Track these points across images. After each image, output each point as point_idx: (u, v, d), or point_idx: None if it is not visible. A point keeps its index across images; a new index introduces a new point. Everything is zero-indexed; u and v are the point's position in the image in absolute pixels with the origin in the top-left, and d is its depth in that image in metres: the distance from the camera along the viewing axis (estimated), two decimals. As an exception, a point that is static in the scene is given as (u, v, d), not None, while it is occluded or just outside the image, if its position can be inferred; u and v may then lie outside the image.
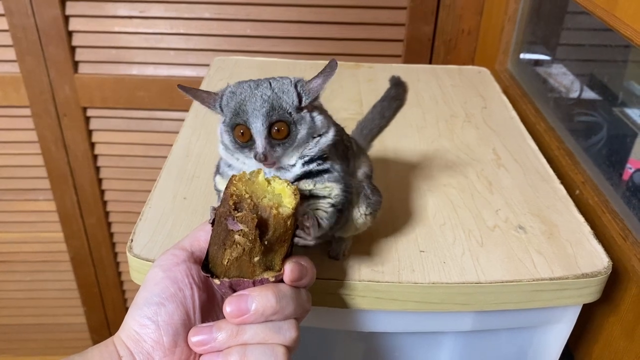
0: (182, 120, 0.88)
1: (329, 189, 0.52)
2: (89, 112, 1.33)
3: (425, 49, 1.25)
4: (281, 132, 0.48)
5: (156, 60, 1.27)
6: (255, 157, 0.48)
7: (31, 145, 1.37)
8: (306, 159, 0.51)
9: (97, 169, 1.41)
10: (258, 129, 0.48)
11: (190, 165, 0.76)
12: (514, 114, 0.92)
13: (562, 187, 0.73)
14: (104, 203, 1.46)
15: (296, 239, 0.48)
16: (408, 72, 1.04)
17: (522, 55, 1.13)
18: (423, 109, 0.92)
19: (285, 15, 1.22)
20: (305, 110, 0.50)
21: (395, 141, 0.82)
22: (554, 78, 1.08)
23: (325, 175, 0.52)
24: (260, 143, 0.48)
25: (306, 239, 0.49)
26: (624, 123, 0.89)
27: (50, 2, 1.19)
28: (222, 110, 0.50)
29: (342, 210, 0.53)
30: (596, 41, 0.99)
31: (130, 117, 1.34)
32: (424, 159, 0.79)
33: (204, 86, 0.98)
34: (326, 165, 0.52)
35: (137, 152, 1.38)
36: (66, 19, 1.22)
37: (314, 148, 0.51)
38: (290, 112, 0.49)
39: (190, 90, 0.51)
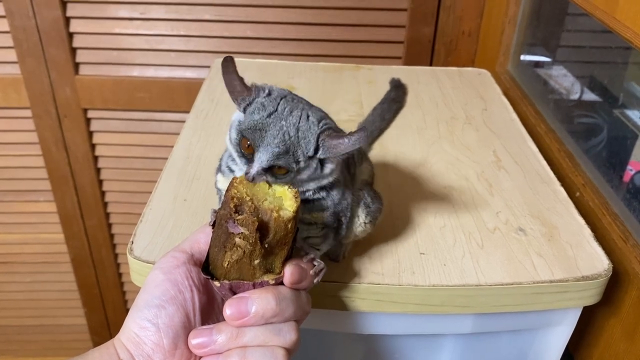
0: (183, 121, 0.88)
1: (316, 217, 0.51)
2: (90, 114, 1.33)
3: (426, 50, 1.25)
4: (281, 170, 0.47)
5: (157, 62, 1.27)
6: (245, 173, 0.46)
7: (32, 146, 1.37)
8: (302, 189, 0.50)
9: (98, 170, 1.41)
10: (261, 159, 0.46)
11: (191, 167, 0.76)
12: (514, 115, 0.92)
13: (562, 189, 0.73)
14: (105, 204, 1.46)
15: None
16: (408, 73, 1.04)
17: (522, 57, 1.13)
18: (423, 111, 0.92)
19: (286, 17, 1.22)
20: (316, 159, 0.48)
21: (395, 143, 0.82)
22: (555, 80, 1.08)
23: (316, 204, 0.51)
24: (255, 168, 0.46)
25: (317, 268, 0.49)
26: (625, 125, 0.89)
27: (51, 3, 1.19)
28: (244, 112, 0.48)
29: (339, 225, 0.53)
30: (596, 43, 0.99)
31: (131, 118, 1.34)
32: (424, 161, 0.79)
33: (204, 88, 0.98)
34: (322, 194, 0.51)
35: (137, 153, 1.38)
36: (67, 20, 1.22)
37: (310, 190, 0.50)
38: (298, 161, 0.47)
39: (229, 72, 0.48)
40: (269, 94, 0.49)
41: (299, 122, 0.47)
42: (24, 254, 1.55)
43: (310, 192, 0.50)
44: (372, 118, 0.73)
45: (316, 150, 0.47)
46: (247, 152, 0.48)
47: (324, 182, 0.50)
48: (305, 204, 0.50)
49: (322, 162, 0.48)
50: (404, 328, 0.63)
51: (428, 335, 0.66)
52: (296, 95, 0.50)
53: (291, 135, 0.46)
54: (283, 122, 0.46)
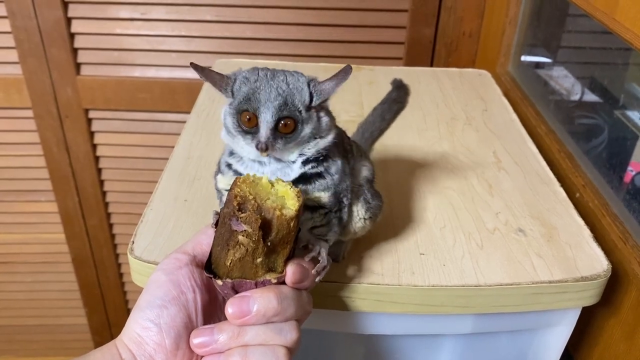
0: (184, 122, 0.88)
1: (318, 198, 0.52)
2: (91, 114, 1.34)
3: (426, 51, 1.25)
4: (288, 127, 0.49)
5: (158, 62, 1.28)
6: (256, 145, 0.48)
7: (33, 146, 1.38)
8: (304, 158, 0.51)
9: (99, 170, 1.41)
10: (267, 119, 0.48)
11: (192, 167, 0.76)
12: (514, 116, 0.92)
13: (562, 190, 0.73)
14: (106, 204, 1.47)
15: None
16: (409, 74, 1.04)
17: (523, 58, 1.13)
18: (424, 112, 0.93)
19: (287, 18, 1.22)
20: (313, 110, 0.50)
21: (395, 144, 0.82)
22: (555, 81, 1.08)
23: (317, 183, 0.52)
24: (264, 133, 0.48)
25: (320, 267, 0.50)
26: (625, 126, 0.89)
27: (52, 4, 1.19)
28: (232, 94, 0.50)
29: (340, 209, 0.54)
30: (597, 44, 0.99)
31: (132, 118, 1.34)
32: (425, 161, 0.79)
33: (205, 88, 0.98)
34: (320, 169, 0.52)
35: (138, 153, 1.38)
36: (68, 21, 1.22)
37: (312, 148, 0.51)
38: (300, 110, 0.49)
39: (203, 71, 0.50)
40: (247, 71, 0.51)
41: (286, 79, 0.50)
42: (25, 254, 1.55)
43: (310, 166, 0.52)
44: (373, 118, 0.73)
45: (311, 97, 0.50)
46: (249, 126, 0.49)
47: (324, 142, 0.52)
48: (306, 184, 0.52)
49: (318, 117, 0.51)
50: (404, 328, 0.63)
51: (428, 335, 0.66)
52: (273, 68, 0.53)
53: (284, 89, 0.49)
54: (272, 82, 0.49)
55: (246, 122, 0.49)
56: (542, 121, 0.94)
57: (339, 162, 0.54)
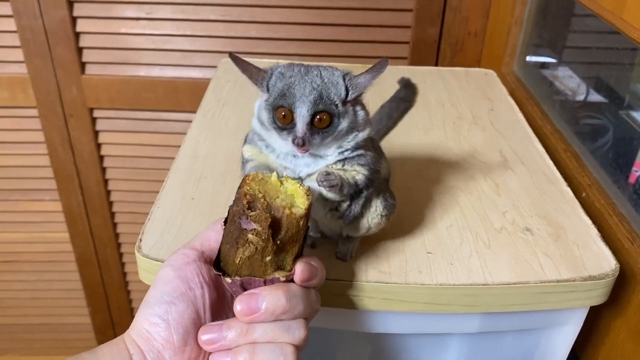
0: (189, 121, 0.88)
1: (355, 172, 0.52)
2: (96, 113, 1.34)
3: (432, 51, 1.25)
4: (323, 121, 0.49)
5: (163, 62, 1.28)
6: (293, 141, 0.49)
7: (38, 145, 1.38)
8: (342, 149, 0.52)
9: (103, 169, 1.41)
10: (302, 114, 0.48)
11: (198, 166, 0.76)
12: (520, 116, 0.92)
13: (568, 190, 0.73)
14: (110, 204, 1.47)
15: (319, 186, 0.50)
16: (414, 74, 1.03)
17: (528, 58, 1.13)
18: (430, 111, 0.93)
19: (292, 17, 1.22)
20: (349, 104, 0.51)
21: (402, 143, 0.82)
22: (561, 81, 1.08)
23: (356, 159, 0.53)
24: (300, 127, 0.49)
25: (330, 180, 0.49)
26: (631, 126, 0.89)
27: (58, 3, 1.19)
28: (267, 89, 0.51)
29: (362, 190, 0.54)
30: (603, 44, 0.99)
31: (137, 118, 1.34)
32: (431, 161, 0.79)
33: (211, 88, 0.98)
34: (360, 152, 0.53)
35: (143, 153, 1.38)
36: (74, 20, 1.23)
37: (351, 142, 0.52)
38: (336, 104, 0.50)
39: (241, 63, 0.51)
40: (284, 66, 0.51)
41: (320, 73, 0.50)
42: (29, 253, 1.55)
43: (349, 151, 0.52)
44: (379, 117, 0.73)
45: (347, 91, 0.50)
46: (285, 122, 0.49)
47: (362, 135, 0.52)
48: (346, 160, 0.52)
49: (354, 111, 0.51)
50: (411, 327, 0.63)
51: (435, 334, 0.66)
52: (308, 64, 0.53)
53: (318, 83, 0.49)
54: (306, 77, 0.49)
55: (281, 118, 0.49)
56: (548, 121, 0.94)
57: (371, 154, 0.54)
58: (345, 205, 0.54)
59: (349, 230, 0.58)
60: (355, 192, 0.53)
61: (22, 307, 1.67)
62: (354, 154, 0.53)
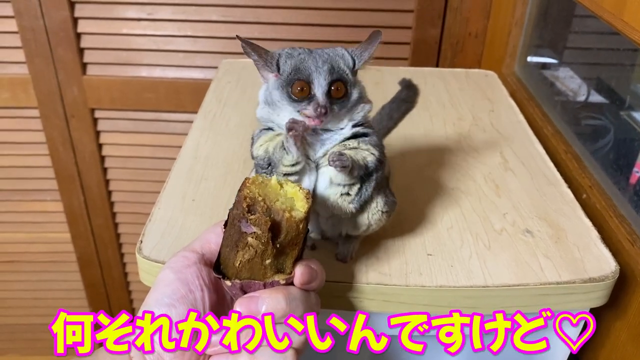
0: (190, 122, 0.88)
1: (367, 152, 0.54)
2: (97, 114, 1.34)
3: (432, 52, 1.25)
4: (339, 91, 0.51)
5: (164, 62, 1.28)
6: (315, 109, 0.50)
7: (39, 146, 1.38)
8: (354, 122, 0.54)
9: (105, 170, 1.42)
10: (321, 84, 0.50)
11: (199, 167, 0.76)
12: (521, 117, 0.92)
13: (569, 191, 0.73)
14: (111, 204, 1.47)
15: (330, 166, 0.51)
16: (415, 75, 1.03)
17: (529, 59, 1.13)
18: (430, 112, 0.93)
19: (293, 18, 1.22)
20: (356, 75, 0.54)
21: (402, 144, 0.82)
22: (561, 81, 1.08)
23: (367, 138, 0.54)
24: (321, 96, 0.50)
25: (342, 160, 0.50)
26: (631, 127, 0.88)
27: (59, 4, 1.19)
28: (277, 68, 0.52)
29: (371, 174, 0.54)
30: (603, 45, 0.99)
31: (138, 118, 1.34)
32: (431, 162, 0.79)
33: (212, 89, 0.98)
34: (370, 130, 0.55)
35: (144, 153, 1.38)
36: (75, 20, 1.23)
37: (361, 112, 0.54)
38: (347, 74, 0.52)
39: (249, 44, 0.52)
40: (288, 49, 0.54)
41: (324, 50, 0.53)
42: (31, 253, 1.56)
43: (361, 126, 0.54)
44: (380, 117, 0.73)
45: (354, 63, 0.53)
46: (301, 95, 0.51)
47: (369, 107, 0.55)
48: (359, 137, 0.54)
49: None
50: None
51: (434, 335, 0.66)
52: None
53: (328, 56, 0.52)
54: (314, 54, 0.52)
55: (298, 92, 0.51)
56: (549, 122, 0.94)
57: (377, 134, 0.56)
58: (356, 188, 0.54)
59: (349, 228, 0.58)
60: (365, 174, 0.54)
61: (24, 307, 1.67)
62: (365, 130, 0.54)
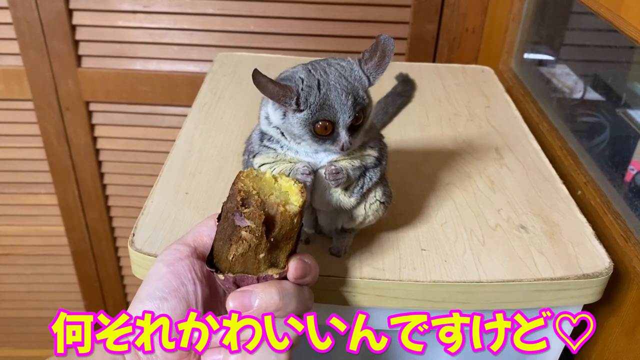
0: (185, 115, 0.88)
1: (366, 154, 0.54)
2: (92, 106, 1.33)
3: (429, 47, 1.25)
4: (359, 117, 0.51)
5: (159, 55, 1.27)
6: (341, 148, 0.50)
7: (33, 138, 1.37)
8: (366, 139, 0.54)
9: (99, 163, 1.41)
10: (345, 121, 0.50)
11: (193, 160, 0.76)
12: (517, 113, 0.92)
13: (564, 188, 0.73)
14: (106, 197, 1.46)
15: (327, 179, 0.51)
16: (411, 70, 1.03)
17: (526, 55, 1.13)
18: (426, 108, 0.92)
19: (289, 12, 1.21)
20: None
21: (397, 139, 0.82)
22: (558, 78, 1.08)
23: (371, 143, 0.55)
24: (343, 134, 0.50)
25: (337, 179, 0.51)
26: (627, 124, 0.88)
27: (54, -5, 1.19)
28: (297, 106, 0.49)
29: (366, 172, 0.55)
30: (600, 42, 0.99)
31: (133, 111, 1.34)
32: (427, 157, 0.79)
33: (207, 82, 0.98)
34: (374, 133, 0.56)
35: (139, 146, 1.38)
36: (70, 12, 1.22)
37: (371, 131, 0.55)
38: (365, 99, 0.51)
39: (262, 81, 0.48)
40: (303, 75, 0.50)
41: (340, 71, 0.50)
42: (25, 246, 1.55)
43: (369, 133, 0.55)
44: (375, 111, 0.73)
45: (369, 81, 0.51)
46: (326, 133, 0.50)
47: (372, 114, 0.54)
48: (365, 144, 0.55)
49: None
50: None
51: (430, 332, 0.66)
52: (313, 61, 0.53)
53: (349, 85, 0.50)
54: (334, 82, 0.49)
55: (323, 130, 0.50)
56: (545, 118, 0.94)
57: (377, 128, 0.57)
58: (356, 186, 0.55)
59: (345, 221, 0.58)
60: (363, 172, 0.55)
61: (18, 300, 1.67)
62: (370, 135, 0.55)
